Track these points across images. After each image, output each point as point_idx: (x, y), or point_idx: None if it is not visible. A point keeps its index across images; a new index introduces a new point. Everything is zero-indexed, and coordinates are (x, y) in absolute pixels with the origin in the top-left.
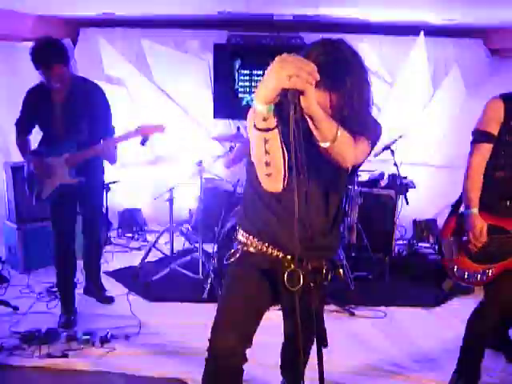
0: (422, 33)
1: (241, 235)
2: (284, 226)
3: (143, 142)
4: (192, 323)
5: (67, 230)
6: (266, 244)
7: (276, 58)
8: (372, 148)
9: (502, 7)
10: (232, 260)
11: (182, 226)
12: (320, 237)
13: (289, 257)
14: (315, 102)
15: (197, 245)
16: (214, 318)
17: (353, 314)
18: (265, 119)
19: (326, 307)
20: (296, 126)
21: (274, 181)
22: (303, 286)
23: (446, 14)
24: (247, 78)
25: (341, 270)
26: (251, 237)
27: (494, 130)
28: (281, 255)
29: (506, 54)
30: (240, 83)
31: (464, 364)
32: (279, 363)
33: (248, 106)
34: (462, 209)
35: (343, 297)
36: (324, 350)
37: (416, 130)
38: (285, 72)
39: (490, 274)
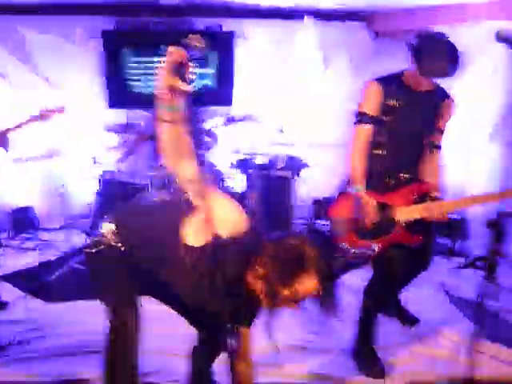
0: (310, 17)
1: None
2: None
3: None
4: (95, 321)
5: None
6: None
7: None
8: None
9: None
10: (95, 249)
11: (80, 222)
12: None
13: None
14: None
15: None
16: (111, 300)
17: None
18: (165, 114)
19: None
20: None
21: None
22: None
23: None
24: (138, 65)
25: None
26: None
27: (374, 110)
28: None
29: (388, 36)
30: (131, 71)
31: (361, 331)
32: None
33: (140, 94)
34: (348, 188)
35: None
36: None
37: (309, 112)
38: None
39: (376, 248)
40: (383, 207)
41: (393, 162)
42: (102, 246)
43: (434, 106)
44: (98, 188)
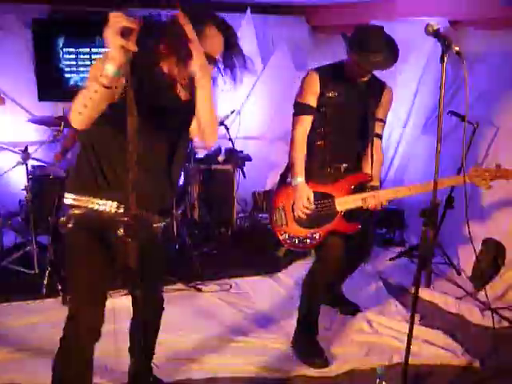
0: (248, 10)
1: (69, 199)
2: (121, 173)
3: None
4: (33, 322)
5: None
6: (98, 200)
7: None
8: None
9: None
10: (68, 227)
11: (11, 220)
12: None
13: (121, 210)
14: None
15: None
16: (71, 297)
17: (200, 290)
18: (105, 77)
19: (172, 286)
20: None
21: (82, 120)
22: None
23: None
24: (73, 56)
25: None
26: (81, 197)
27: (312, 102)
28: (113, 210)
29: (325, 31)
30: (65, 62)
31: (303, 322)
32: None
33: (76, 86)
34: (289, 179)
35: (189, 274)
36: (173, 328)
37: (249, 105)
38: (110, 30)
39: (317, 237)
40: (323, 197)
41: (333, 153)
42: (72, 221)
43: (374, 96)
44: (27, 184)
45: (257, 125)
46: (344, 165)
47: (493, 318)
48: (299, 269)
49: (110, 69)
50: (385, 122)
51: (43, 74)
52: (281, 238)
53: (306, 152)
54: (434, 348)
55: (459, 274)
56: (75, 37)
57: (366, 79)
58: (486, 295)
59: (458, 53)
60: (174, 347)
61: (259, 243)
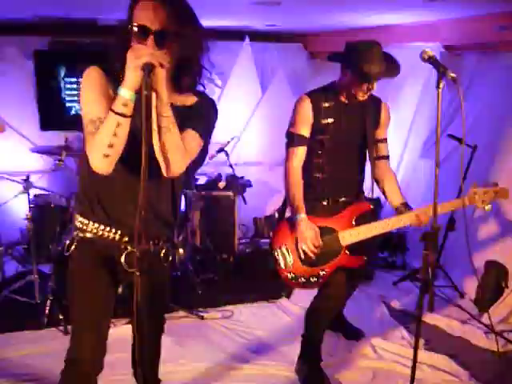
0: (247, 38)
1: (77, 221)
2: (122, 204)
3: None
4: (36, 352)
5: None
6: (102, 227)
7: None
8: (203, 137)
9: (319, 14)
10: (71, 250)
11: (12, 249)
12: (157, 216)
13: (126, 238)
14: (164, 82)
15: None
16: (72, 325)
17: (202, 318)
18: (125, 105)
19: (174, 314)
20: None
21: (109, 163)
22: (143, 269)
23: (269, 21)
24: (74, 86)
25: (181, 250)
26: (86, 220)
27: (305, 132)
28: (117, 237)
29: (324, 57)
30: (67, 92)
31: (306, 349)
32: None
33: (77, 116)
34: (288, 214)
35: (191, 301)
36: (175, 356)
37: (248, 132)
38: (140, 55)
39: (323, 274)
40: (325, 232)
41: (331, 185)
42: (75, 243)
43: (372, 114)
44: (29, 213)
45: (257, 151)
46: (343, 198)
47: (497, 341)
48: (302, 295)
49: (127, 94)
50: (387, 140)
51: (45, 103)
52: (286, 279)
53: (302, 185)
54: (440, 373)
55: (463, 296)
56: (76, 67)
57: (362, 98)
58: (490, 318)
59: (453, 79)
60: (177, 376)
61: (261, 269)
